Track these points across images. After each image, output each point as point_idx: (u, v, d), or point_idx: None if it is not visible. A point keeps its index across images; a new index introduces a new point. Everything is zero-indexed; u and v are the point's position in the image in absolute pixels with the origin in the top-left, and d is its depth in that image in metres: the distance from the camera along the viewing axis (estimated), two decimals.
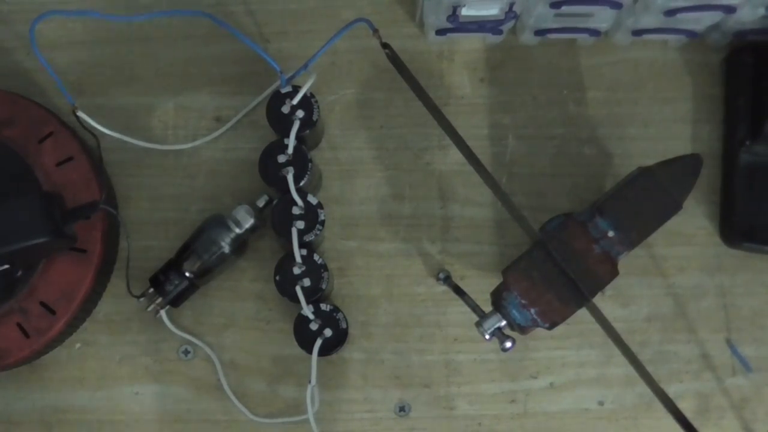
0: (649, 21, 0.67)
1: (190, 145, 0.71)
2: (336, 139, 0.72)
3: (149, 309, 0.68)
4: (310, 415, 0.66)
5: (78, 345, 0.71)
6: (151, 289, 0.68)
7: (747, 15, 0.65)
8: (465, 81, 0.72)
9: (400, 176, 0.72)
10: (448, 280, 0.70)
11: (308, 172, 0.65)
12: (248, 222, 0.68)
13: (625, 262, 0.63)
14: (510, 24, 0.69)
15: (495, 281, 0.62)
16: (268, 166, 0.65)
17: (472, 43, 0.73)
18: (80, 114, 0.66)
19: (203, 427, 0.70)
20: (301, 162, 0.65)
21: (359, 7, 0.73)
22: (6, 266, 0.64)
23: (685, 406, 0.65)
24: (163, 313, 0.68)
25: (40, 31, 0.62)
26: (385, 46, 0.65)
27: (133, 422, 0.70)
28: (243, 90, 0.72)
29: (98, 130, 0.67)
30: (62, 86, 0.65)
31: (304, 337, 0.66)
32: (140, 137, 0.71)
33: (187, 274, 0.67)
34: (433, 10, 0.67)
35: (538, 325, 0.61)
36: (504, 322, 0.61)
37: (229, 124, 0.72)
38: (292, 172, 0.65)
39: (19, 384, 0.70)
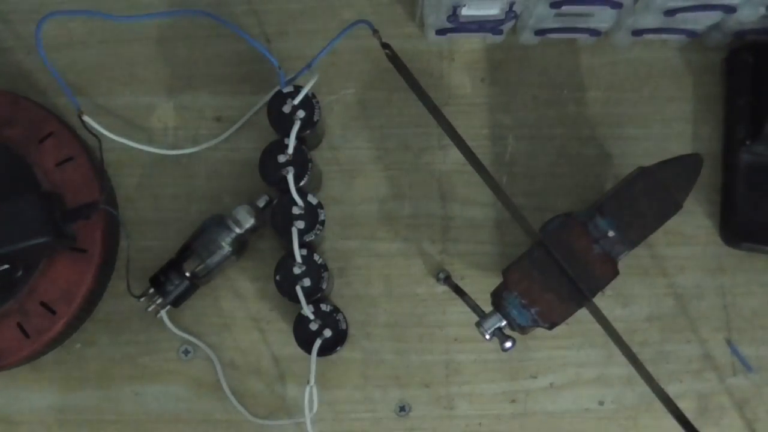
0: (649, 21, 0.67)
1: (196, 149, 0.71)
2: (336, 139, 0.72)
3: (149, 309, 0.68)
4: (307, 419, 0.66)
5: (78, 345, 0.71)
6: (152, 289, 0.68)
7: (747, 15, 0.65)
8: (465, 81, 0.72)
9: (400, 176, 0.72)
10: (448, 280, 0.70)
11: (308, 172, 0.65)
12: (248, 222, 0.68)
13: (625, 262, 0.63)
14: (510, 24, 0.69)
15: (495, 281, 0.62)
16: (268, 166, 0.65)
17: (472, 43, 0.73)
18: (85, 118, 0.67)
19: (203, 427, 0.70)
20: (302, 162, 0.65)
21: (359, 7, 0.73)
22: (6, 266, 0.64)
23: (685, 406, 0.65)
24: (163, 313, 0.68)
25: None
26: (385, 46, 0.65)
27: (133, 422, 0.70)
28: (243, 90, 0.72)
29: (102, 133, 0.67)
30: (68, 90, 0.65)
31: (303, 337, 0.66)
32: (140, 138, 0.71)
33: (187, 274, 0.67)
34: (433, 10, 0.67)
35: (538, 325, 0.61)
36: (504, 322, 0.61)
37: (235, 127, 0.72)
38: (293, 172, 0.65)
39: (19, 384, 0.70)
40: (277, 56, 0.63)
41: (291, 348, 0.67)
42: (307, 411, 0.66)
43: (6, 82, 0.71)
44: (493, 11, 0.66)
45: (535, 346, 0.70)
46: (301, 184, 0.65)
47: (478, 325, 0.62)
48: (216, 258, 0.67)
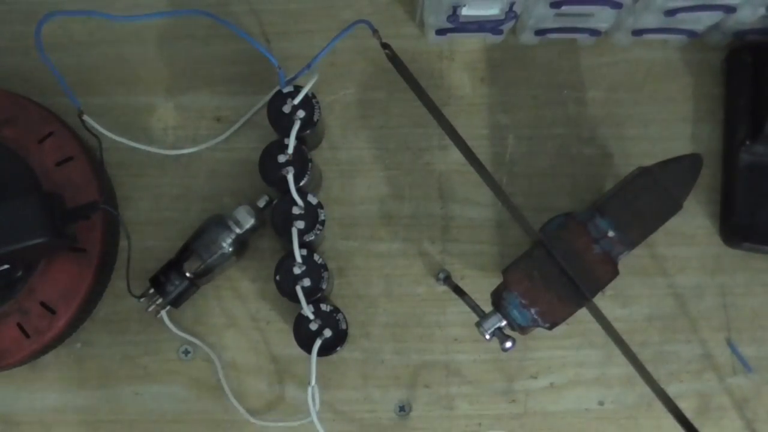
0: (649, 21, 0.67)
1: (195, 149, 0.71)
2: (336, 139, 0.72)
3: (150, 309, 0.68)
4: (314, 417, 0.65)
5: (78, 345, 0.71)
6: (152, 289, 0.68)
7: (747, 15, 0.65)
8: (465, 81, 0.72)
9: (400, 176, 0.72)
10: (448, 280, 0.70)
11: (308, 172, 0.65)
12: (248, 222, 0.68)
13: (625, 262, 0.63)
14: (510, 24, 0.69)
15: (495, 281, 0.62)
16: (268, 166, 0.65)
17: (472, 43, 0.73)
18: (86, 118, 0.67)
19: (203, 427, 0.70)
20: (302, 162, 0.65)
21: (359, 8, 0.73)
22: (6, 266, 0.64)
23: (685, 406, 0.65)
24: (163, 313, 0.68)
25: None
26: (385, 46, 0.65)
27: (133, 422, 0.70)
28: (243, 90, 0.72)
29: (102, 133, 0.67)
30: (68, 90, 0.65)
31: (304, 337, 0.66)
32: (140, 138, 0.71)
33: (187, 275, 0.67)
34: (433, 10, 0.67)
35: (538, 325, 0.61)
36: (504, 322, 0.61)
37: (235, 127, 0.72)
38: (292, 172, 0.65)
39: (19, 384, 0.70)
40: (277, 56, 0.63)
41: (291, 348, 0.67)
42: (313, 411, 0.65)
43: (6, 82, 0.71)
44: (493, 11, 0.66)
45: (535, 346, 0.70)
46: (301, 184, 0.65)
47: (478, 325, 0.62)
48: (216, 258, 0.67)
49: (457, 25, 0.68)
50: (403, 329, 0.71)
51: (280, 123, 0.65)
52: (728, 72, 0.71)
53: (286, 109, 0.65)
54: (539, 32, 0.70)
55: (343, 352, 0.69)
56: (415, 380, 0.70)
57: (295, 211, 0.65)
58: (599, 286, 0.61)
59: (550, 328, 0.61)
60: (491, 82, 0.72)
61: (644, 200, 0.63)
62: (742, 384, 0.70)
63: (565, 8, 0.65)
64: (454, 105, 0.72)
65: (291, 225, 0.65)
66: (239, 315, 0.71)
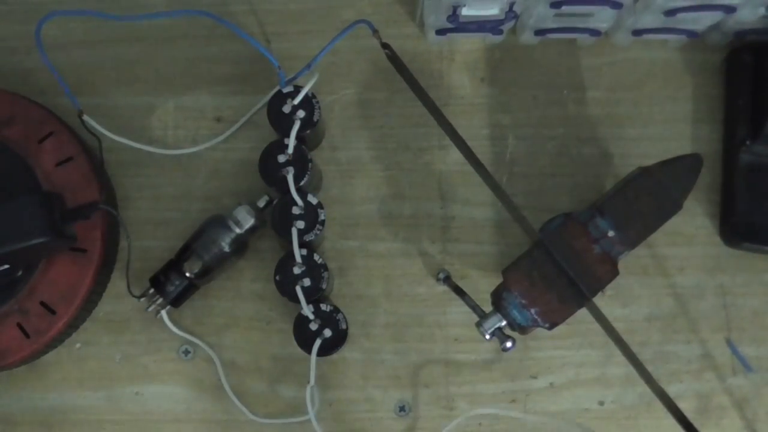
0: (649, 21, 0.67)
1: (195, 149, 0.71)
2: (336, 139, 0.72)
3: (149, 309, 0.68)
4: (312, 416, 0.66)
5: (78, 345, 0.71)
6: (152, 289, 0.68)
7: (747, 15, 0.66)
8: (465, 81, 0.73)
9: (400, 176, 0.72)
10: (448, 280, 0.70)
11: (308, 172, 0.65)
12: (249, 222, 0.68)
13: (625, 262, 0.63)
14: (510, 24, 0.69)
15: (495, 281, 0.62)
16: (268, 166, 0.65)
17: (472, 43, 0.73)
18: (86, 118, 0.67)
19: (203, 427, 0.70)
20: (302, 162, 0.65)
21: (359, 8, 0.73)
22: (6, 266, 0.64)
23: (685, 406, 0.65)
24: (163, 313, 0.68)
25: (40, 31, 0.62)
26: (385, 46, 0.65)
27: (133, 422, 0.70)
28: (243, 90, 0.72)
29: (102, 133, 0.67)
30: (68, 90, 0.65)
31: (303, 337, 0.66)
32: (140, 138, 0.71)
33: (187, 275, 0.67)
34: (433, 10, 0.67)
35: (538, 325, 0.61)
36: (504, 322, 0.61)
37: (235, 127, 0.72)
38: (292, 172, 0.65)
39: (19, 384, 0.70)
40: (277, 56, 0.63)
41: (291, 348, 0.67)
42: (311, 410, 0.65)
43: (6, 82, 0.71)
44: (493, 11, 0.66)
45: (535, 346, 0.70)
46: (301, 184, 0.65)
47: (478, 325, 0.62)
48: (216, 258, 0.67)
49: (457, 25, 0.68)
50: (403, 329, 0.71)
51: (280, 123, 0.65)
52: (728, 72, 0.72)
53: (286, 109, 0.65)
54: (539, 32, 0.70)
55: (343, 352, 0.69)
56: (415, 380, 0.70)
57: (295, 211, 0.65)
58: (599, 286, 0.61)
59: (550, 328, 0.61)
60: (491, 82, 0.73)
61: (644, 200, 0.63)
62: (742, 384, 0.70)
63: (565, 8, 0.66)
64: (454, 105, 0.72)
65: (291, 225, 0.65)
66: (239, 315, 0.71)
